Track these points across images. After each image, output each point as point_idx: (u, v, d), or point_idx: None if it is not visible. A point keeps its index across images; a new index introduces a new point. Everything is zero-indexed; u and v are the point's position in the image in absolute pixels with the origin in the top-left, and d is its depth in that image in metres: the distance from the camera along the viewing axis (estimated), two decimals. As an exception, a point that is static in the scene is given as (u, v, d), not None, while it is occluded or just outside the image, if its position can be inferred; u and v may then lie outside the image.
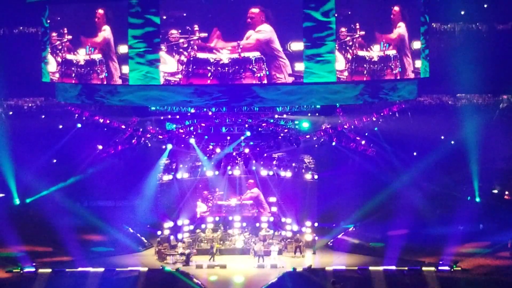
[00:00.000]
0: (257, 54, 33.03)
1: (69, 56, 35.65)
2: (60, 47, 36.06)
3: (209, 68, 32.73)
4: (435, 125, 47.97)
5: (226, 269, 37.84)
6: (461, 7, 47.67)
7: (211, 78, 32.80)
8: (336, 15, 33.10)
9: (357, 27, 33.43)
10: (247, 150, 42.29)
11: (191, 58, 32.73)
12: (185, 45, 32.70)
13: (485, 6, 47.45)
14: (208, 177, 43.17)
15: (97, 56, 34.89)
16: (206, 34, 32.86)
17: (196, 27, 33.00)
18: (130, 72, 34.43)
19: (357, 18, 33.60)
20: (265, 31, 33.23)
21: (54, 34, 36.05)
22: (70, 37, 35.55)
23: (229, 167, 42.91)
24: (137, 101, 35.89)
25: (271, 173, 43.17)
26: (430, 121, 48.31)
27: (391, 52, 34.53)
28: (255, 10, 33.26)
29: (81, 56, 35.18)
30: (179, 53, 32.91)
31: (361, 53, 33.66)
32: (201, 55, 32.59)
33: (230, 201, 43.24)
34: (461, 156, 46.21)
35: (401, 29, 35.49)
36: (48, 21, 37.42)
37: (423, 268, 36.41)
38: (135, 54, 34.07)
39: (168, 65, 33.29)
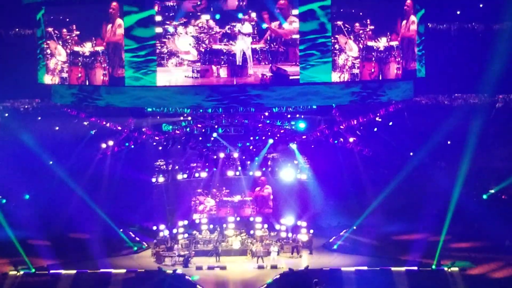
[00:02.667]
0: (262, 45, 35.44)
1: (76, 48, 37.27)
2: (69, 40, 37.40)
3: (222, 57, 35.66)
4: (431, 125, 48.17)
5: (226, 270, 38.06)
6: (457, 7, 47.97)
7: (224, 65, 35.78)
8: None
9: (368, 22, 36.56)
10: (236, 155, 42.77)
11: (208, 49, 35.61)
12: (205, 39, 35.64)
13: (481, 6, 47.68)
14: (203, 178, 43.66)
15: (100, 48, 36.48)
16: (223, 30, 35.61)
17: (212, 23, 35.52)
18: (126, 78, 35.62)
19: (368, 15, 36.75)
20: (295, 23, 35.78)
21: (64, 30, 37.38)
22: (78, 32, 37.16)
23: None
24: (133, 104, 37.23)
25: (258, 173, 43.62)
26: (426, 121, 48.52)
27: (394, 43, 37.60)
28: (282, 1, 35.54)
29: (86, 48, 37.00)
30: (199, 44, 35.84)
31: (370, 43, 37.05)
32: (216, 46, 35.70)
33: (234, 197, 43.74)
34: (458, 156, 45.59)
35: (414, 25, 38.19)
36: (46, 22, 37.91)
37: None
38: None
39: (191, 54, 35.90)
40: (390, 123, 47.08)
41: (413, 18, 37.88)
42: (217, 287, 36.21)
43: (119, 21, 35.57)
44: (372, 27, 36.66)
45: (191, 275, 36.88)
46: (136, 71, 35.28)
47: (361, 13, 36.46)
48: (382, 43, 37.12)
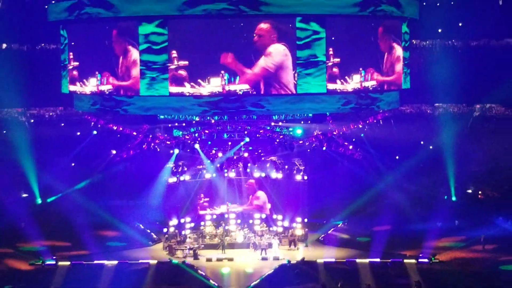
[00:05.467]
0: (246, 87, 34.98)
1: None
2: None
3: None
4: (415, 131, 50.13)
5: (233, 262, 39.73)
6: (438, 25, 50.33)
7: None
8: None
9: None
10: (246, 154, 44.28)
11: None
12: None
13: (460, 24, 50.08)
14: (209, 179, 44.79)
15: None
16: (186, 62, 34.16)
17: (174, 54, 34.61)
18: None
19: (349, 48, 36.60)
20: (276, 54, 33.43)
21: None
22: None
23: (225, 170, 44.59)
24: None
25: (263, 174, 44.76)
26: (411, 128, 50.63)
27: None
28: (264, 26, 33.80)
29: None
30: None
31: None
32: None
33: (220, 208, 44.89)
34: (439, 160, 48.21)
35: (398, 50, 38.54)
36: (66, 40, 39.39)
37: (405, 261, 38.59)
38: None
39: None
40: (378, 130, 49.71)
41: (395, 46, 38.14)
42: (220, 277, 37.82)
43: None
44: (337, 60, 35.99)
45: (196, 266, 38.65)
46: (150, 84, 35.88)
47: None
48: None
